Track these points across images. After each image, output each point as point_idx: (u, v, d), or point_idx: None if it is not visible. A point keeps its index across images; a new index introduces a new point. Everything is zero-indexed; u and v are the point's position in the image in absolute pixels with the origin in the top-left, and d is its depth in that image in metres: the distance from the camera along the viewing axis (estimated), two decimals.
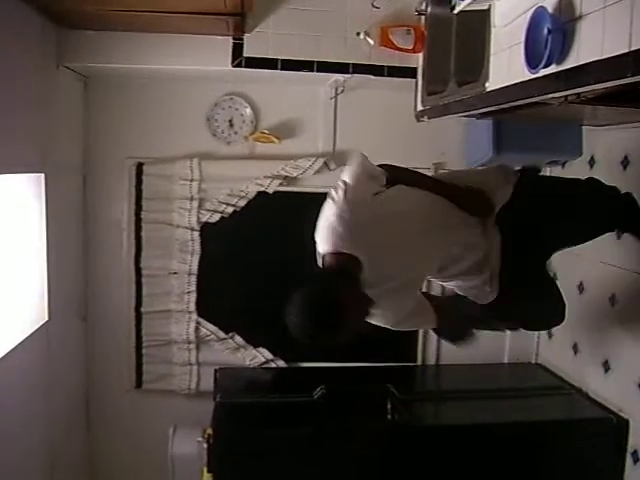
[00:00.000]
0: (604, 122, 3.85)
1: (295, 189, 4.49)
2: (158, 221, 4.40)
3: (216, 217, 4.44)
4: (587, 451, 3.76)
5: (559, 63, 2.07)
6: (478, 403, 4.07)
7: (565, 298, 3.14)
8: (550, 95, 2.26)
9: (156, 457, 4.10)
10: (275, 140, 4.40)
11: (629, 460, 3.73)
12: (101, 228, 4.43)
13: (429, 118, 3.70)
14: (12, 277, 3.47)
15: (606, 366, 3.96)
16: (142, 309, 4.48)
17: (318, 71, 3.92)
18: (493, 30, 2.72)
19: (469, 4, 2.57)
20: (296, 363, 4.68)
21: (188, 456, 3.92)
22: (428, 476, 3.67)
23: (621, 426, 3.77)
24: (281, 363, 4.62)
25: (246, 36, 3.84)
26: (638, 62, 1.69)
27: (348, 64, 3.93)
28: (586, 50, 1.95)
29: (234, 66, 3.88)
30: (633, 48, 1.70)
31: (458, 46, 3.20)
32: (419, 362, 4.81)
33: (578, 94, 2.22)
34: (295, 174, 4.40)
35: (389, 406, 3.84)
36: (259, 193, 4.43)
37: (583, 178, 3.38)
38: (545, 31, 2.06)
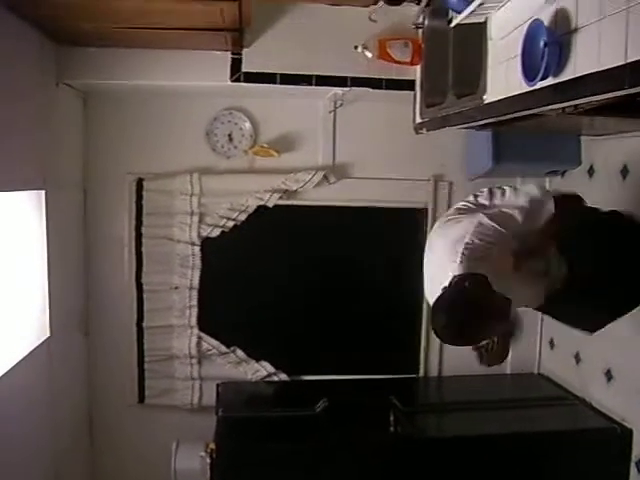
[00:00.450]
0: (603, 132, 3.86)
1: (295, 202, 4.49)
2: (159, 236, 4.41)
3: (217, 231, 4.44)
4: (591, 461, 3.74)
5: (556, 75, 2.08)
6: (481, 414, 4.07)
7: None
8: (548, 107, 2.27)
9: (159, 472, 4.08)
10: (274, 154, 4.40)
11: (633, 470, 3.72)
12: (102, 244, 4.42)
13: (428, 130, 3.71)
14: (14, 293, 3.47)
15: (609, 375, 3.96)
16: (144, 324, 4.48)
17: (317, 85, 3.94)
18: (490, 43, 2.73)
19: (466, 17, 2.58)
20: (298, 376, 4.68)
21: (191, 471, 3.91)
22: None
23: (625, 436, 3.76)
24: (283, 376, 4.62)
25: (244, 51, 3.86)
26: (634, 73, 1.70)
27: (346, 77, 3.95)
28: (583, 62, 1.96)
29: (233, 81, 3.89)
30: (629, 60, 1.71)
31: (456, 58, 3.21)
32: (421, 373, 4.80)
33: (576, 105, 2.23)
34: (295, 188, 4.40)
35: (392, 418, 3.83)
36: (259, 207, 4.43)
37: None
38: (542, 44, 2.08)
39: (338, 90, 4.05)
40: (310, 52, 3.91)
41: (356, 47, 3.79)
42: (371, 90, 4.00)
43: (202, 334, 4.52)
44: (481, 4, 2.43)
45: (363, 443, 3.66)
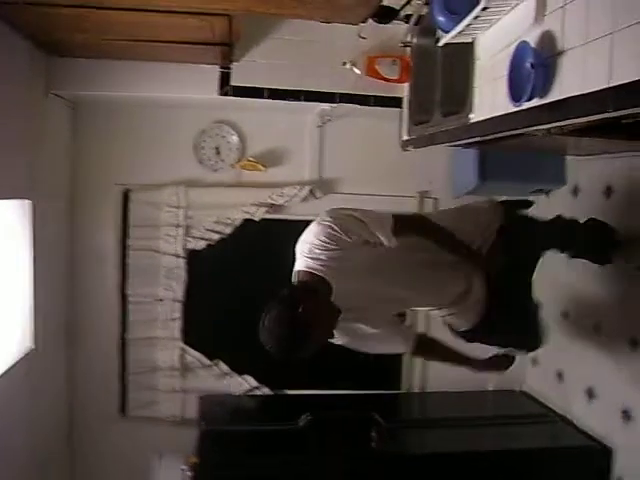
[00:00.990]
0: (587, 152, 3.90)
1: (281, 217, 4.51)
2: (144, 248, 4.41)
3: (202, 244, 4.44)
4: (571, 479, 3.76)
5: (542, 97, 2.11)
6: (463, 431, 4.08)
7: (545, 324, 3.28)
8: (533, 128, 2.29)
9: None
10: (261, 168, 4.41)
11: None
12: (87, 254, 4.41)
13: (415, 147, 3.73)
14: None
15: (590, 394, 3.98)
16: (127, 336, 4.47)
17: (305, 100, 3.97)
18: (477, 63, 2.76)
19: (454, 37, 2.61)
20: (281, 390, 4.68)
21: None
22: None
23: (605, 454, 3.78)
24: (266, 390, 4.62)
25: (234, 65, 3.88)
26: (618, 97, 1.72)
27: (335, 93, 3.98)
28: (568, 84, 1.98)
29: (221, 95, 3.92)
30: (613, 83, 1.74)
31: (443, 77, 3.23)
32: (403, 389, 4.81)
33: (561, 127, 2.26)
34: (281, 202, 4.41)
35: (374, 434, 3.83)
36: (245, 220, 4.44)
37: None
38: (528, 65, 2.10)
39: (326, 106, 4.08)
40: (299, 68, 3.94)
41: (345, 63, 3.81)
42: (359, 107, 4.03)
43: (185, 347, 4.52)
44: (469, 25, 2.45)
45: (344, 458, 3.66)
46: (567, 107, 1.98)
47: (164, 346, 4.50)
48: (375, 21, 3.57)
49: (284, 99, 3.95)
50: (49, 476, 4.07)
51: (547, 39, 2.12)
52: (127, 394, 4.53)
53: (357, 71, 3.83)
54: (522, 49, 2.18)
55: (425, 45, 3.51)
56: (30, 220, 3.65)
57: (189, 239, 4.42)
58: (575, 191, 4.18)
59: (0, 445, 3.30)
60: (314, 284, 2.51)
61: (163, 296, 4.46)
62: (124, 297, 4.44)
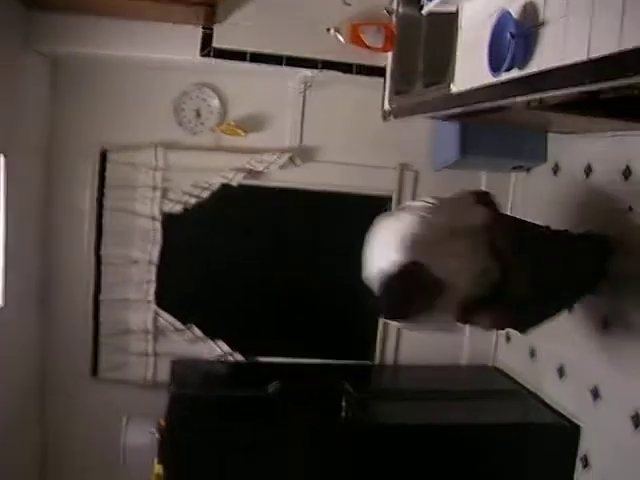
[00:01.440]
0: (569, 130, 3.88)
1: (260, 183, 4.46)
2: (120, 209, 4.35)
3: (179, 208, 4.39)
4: (538, 455, 3.79)
5: (521, 68, 2.09)
6: (434, 404, 4.08)
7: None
8: (511, 100, 2.27)
9: (109, 446, 4.05)
10: (241, 133, 4.37)
11: (579, 465, 3.77)
12: (62, 213, 4.36)
13: (395, 117, 3.71)
14: None
15: (561, 372, 4.00)
16: (101, 297, 4.44)
17: (287, 65, 3.93)
18: (460, 32, 2.73)
19: (436, 5, 2.58)
20: (254, 357, 4.67)
21: (141, 446, 3.88)
22: (380, 474, 3.68)
23: (573, 432, 3.81)
24: (239, 357, 4.61)
25: (216, 26, 3.83)
26: (596, 70, 1.71)
27: (317, 60, 3.94)
28: (548, 56, 1.97)
29: (202, 56, 3.86)
30: (591, 56, 1.72)
31: (427, 47, 3.20)
32: (377, 361, 4.81)
33: (540, 100, 2.23)
34: (260, 168, 4.37)
35: (343, 403, 3.83)
36: (223, 185, 4.40)
37: None
38: (508, 35, 2.07)
39: (308, 72, 4.04)
40: (282, 32, 3.89)
41: (328, 30, 3.77)
42: (341, 74, 3.99)
43: (159, 310, 4.49)
44: None
45: (313, 426, 3.67)
46: (545, 79, 1.97)
47: (137, 308, 4.47)
48: None
49: (266, 63, 3.90)
50: (20, 433, 4.05)
51: (529, 10, 2.10)
52: (99, 356, 4.50)
53: (341, 38, 3.79)
54: (503, 19, 2.16)
55: (410, 13, 3.47)
56: (4, 175, 3.60)
57: (166, 202, 4.36)
58: (555, 169, 4.17)
59: None
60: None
61: (138, 258, 4.42)
62: (98, 258, 4.40)
